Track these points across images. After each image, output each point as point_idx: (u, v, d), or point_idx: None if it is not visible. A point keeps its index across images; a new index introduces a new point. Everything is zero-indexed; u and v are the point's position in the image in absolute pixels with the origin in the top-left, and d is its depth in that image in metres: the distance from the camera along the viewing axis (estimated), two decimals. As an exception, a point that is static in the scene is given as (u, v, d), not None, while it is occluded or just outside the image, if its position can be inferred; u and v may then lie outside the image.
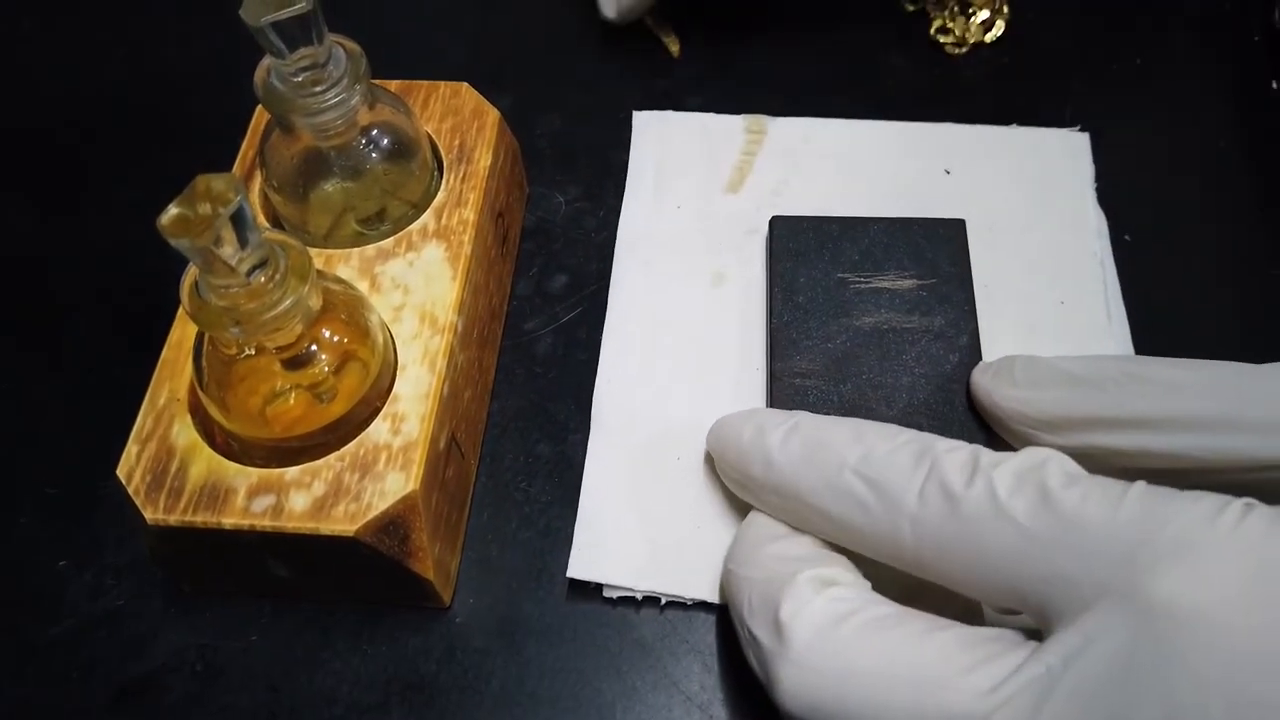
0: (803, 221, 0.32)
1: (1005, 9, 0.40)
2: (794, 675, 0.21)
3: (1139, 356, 0.25)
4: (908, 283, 0.31)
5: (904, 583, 0.23)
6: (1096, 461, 0.22)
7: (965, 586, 0.22)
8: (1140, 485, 0.20)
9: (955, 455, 0.22)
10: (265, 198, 0.31)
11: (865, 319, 0.30)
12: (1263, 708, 0.17)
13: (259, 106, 0.33)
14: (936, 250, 0.31)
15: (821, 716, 0.21)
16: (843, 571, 0.23)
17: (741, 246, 0.34)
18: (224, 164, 0.32)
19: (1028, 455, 0.22)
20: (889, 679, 0.20)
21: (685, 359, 0.32)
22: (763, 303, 0.33)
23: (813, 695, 0.21)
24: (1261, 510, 0.19)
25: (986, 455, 0.22)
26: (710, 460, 0.29)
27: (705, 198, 0.35)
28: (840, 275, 0.31)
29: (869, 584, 0.23)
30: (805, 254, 0.31)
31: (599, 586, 0.28)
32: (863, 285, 0.31)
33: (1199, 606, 0.18)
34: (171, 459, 0.26)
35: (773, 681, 0.22)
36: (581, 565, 0.28)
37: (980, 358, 0.29)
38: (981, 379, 0.27)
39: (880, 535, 0.23)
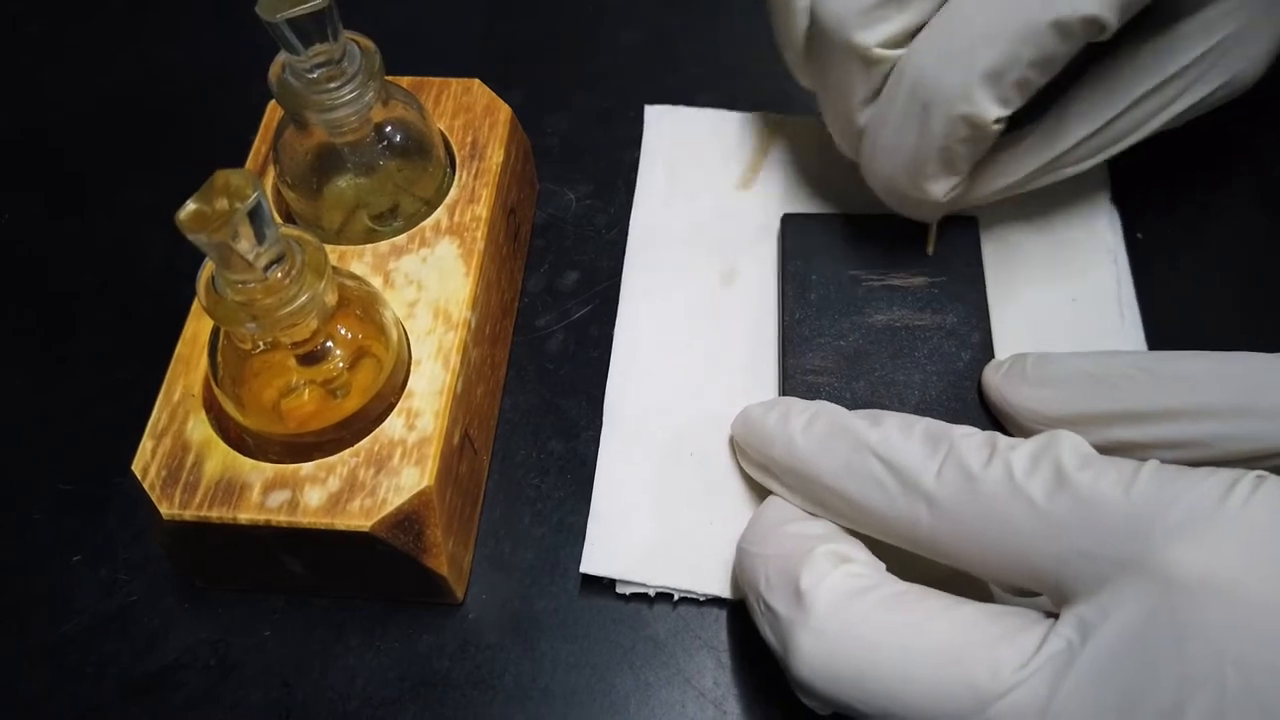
0: (814, 219, 0.32)
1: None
2: (813, 643, 0.21)
3: (1151, 351, 0.25)
4: (920, 280, 0.31)
5: (918, 572, 0.23)
6: (1112, 455, 0.22)
7: (982, 567, 0.22)
8: (1153, 464, 0.20)
9: (972, 439, 0.23)
10: (279, 193, 0.31)
11: (877, 316, 0.30)
12: (1276, 676, 0.17)
13: (272, 102, 0.33)
14: (949, 247, 0.31)
15: (839, 686, 0.21)
16: (858, 550, 0.24)
17: (753, 244, 0.34)
18: (233, 162, 0.32)
19: (1043, 438, 0.22)
20: (910, 650, 0.21)
21: (697, 356, 0.32)
22: (775, 300, 0.33)
23: (831, 664, 0.21)
24: (1273, 482, 0.19)
25: (1003, 439, 0.22)
26: (723, 456, 0.29)
27: (717, 195, 0.35)
28: (852, 272, 0.31)
29: (883, 565, 0.24)
30: (817, 251, 0.31)
31: (612, 582, 0.28)
32: (875, 283, 0.31)
33: (1213, 578, 0.18)
34: (187, 454, 0.26)
35: (791, 650, 0.22)
36: (594, 560, 0.28)
37: (992, 355, 0.29)
38: (993, 377, 0.27)
39: (898, 516, 0.23)
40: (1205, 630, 0.18)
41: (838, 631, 0.21)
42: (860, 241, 0.31)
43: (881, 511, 0.23)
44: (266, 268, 0.23)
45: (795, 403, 0.26)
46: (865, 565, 0.23)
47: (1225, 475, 0.19)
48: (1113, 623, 0.19)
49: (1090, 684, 0.19)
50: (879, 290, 0.31)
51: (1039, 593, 0.21)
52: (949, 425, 0.23)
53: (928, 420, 0.24)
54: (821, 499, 0.25)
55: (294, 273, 0.23)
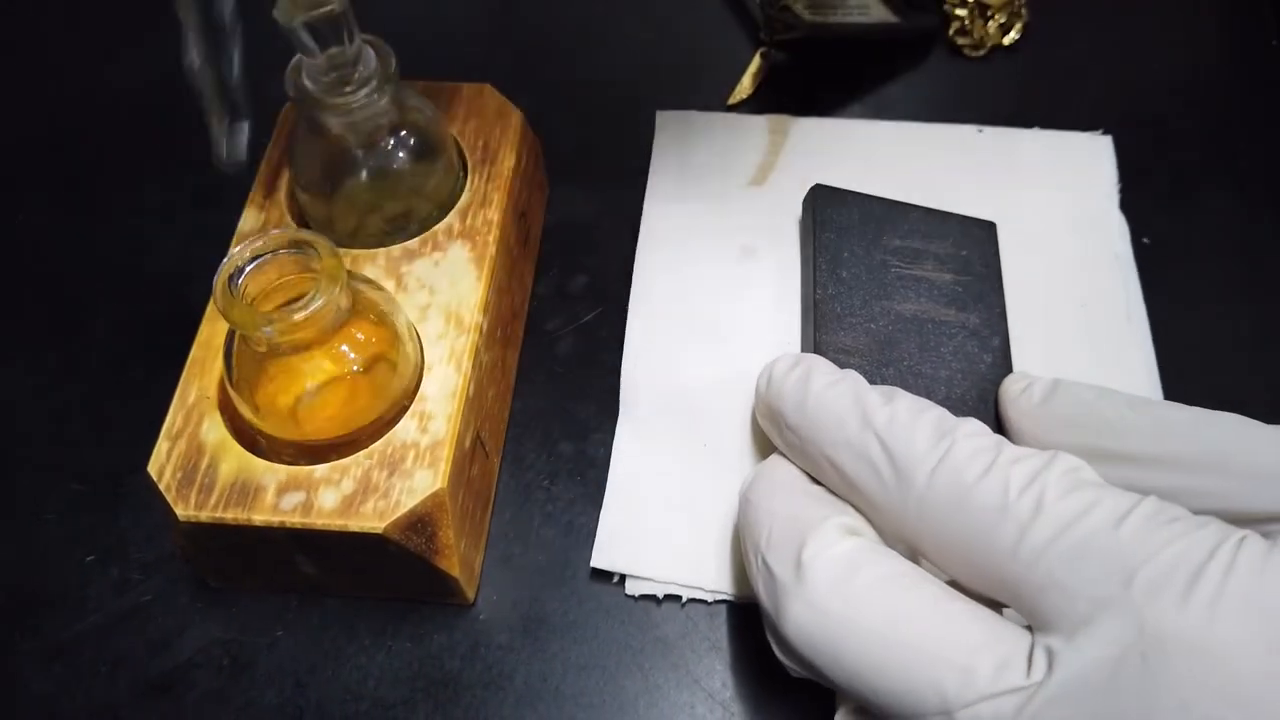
0: (846, 195, 0.32)
1: (1023, 12, 0.41)
2: (804, 613, 0.21)
3: (1144, 398, 0.25)
4: (946, 276, 0.31)
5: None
6: None
7: (960, 575, 0.22)
8: (1149, 502, 0.20)
9: (975, 440, 0.22)
10: (292, 196, 0.31)
11: (906, 305, 0.30)
12: None
13: (287, 104, 0.33)
14: (970, 249, 0.31)
15: (819, 657, 0.21)
16: (867, 525, 0.24)
17: (765, 242, 0.34)
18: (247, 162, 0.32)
19: (1044, 458, 0.21)
20: (891, 639, 0.21)
21: (710, 349, 0.32)
22: (788, 296, 0.33)
23: (816, 636, 0.21)
24: (1256, 544, 0.19)
25: (1008, 449, 0.22)
26: (738, 448, 0.30)
27: (728, 197, 0.35)
28: (883, 257, 0.31)
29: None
30: (849, 228, 0.31)
31: (621, 582, 0.29)
32: (904, 271, 0.30)
33: (1189, 635, 0.18)
34: (202, 456, 0.26)
35: (780, 614, 0.22)
36: (605, 555, 0.28)
37: (1010, 361, 0.29)
38: (1012, 388, 0.27)
39: (888, 505, 0.23)
40: (1175, 684, 0.18)
41: (828, 607, 0.21)
42: (889, 226, 0.31)
43: (873, 495, 0.23)
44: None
45: (824, 363, 0.26)
46: (872, 540, 0.23)
47: (1216, 530, 0.19)
48: (1084, 659, 0.19)
49: (1054, 717, 0.19)
50: (908, 279, 0.30)
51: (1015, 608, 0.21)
52: (959, 420, 0.23)
53: (941, 410, 0.23)
54: (818, 465, 0.24)
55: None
